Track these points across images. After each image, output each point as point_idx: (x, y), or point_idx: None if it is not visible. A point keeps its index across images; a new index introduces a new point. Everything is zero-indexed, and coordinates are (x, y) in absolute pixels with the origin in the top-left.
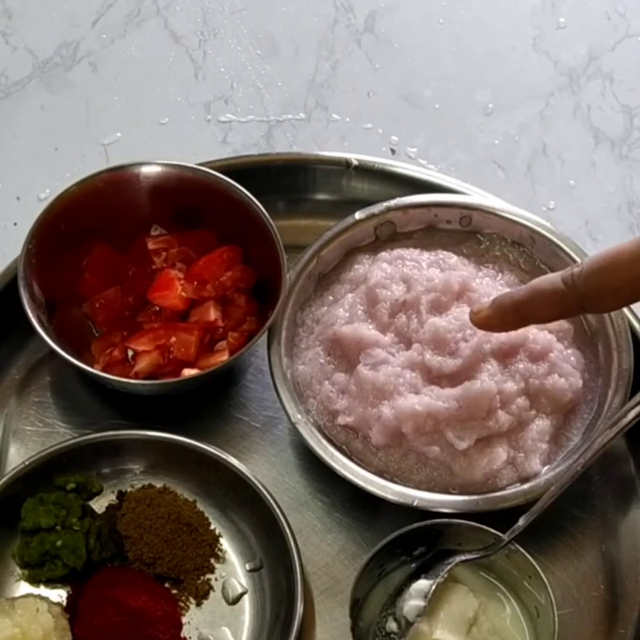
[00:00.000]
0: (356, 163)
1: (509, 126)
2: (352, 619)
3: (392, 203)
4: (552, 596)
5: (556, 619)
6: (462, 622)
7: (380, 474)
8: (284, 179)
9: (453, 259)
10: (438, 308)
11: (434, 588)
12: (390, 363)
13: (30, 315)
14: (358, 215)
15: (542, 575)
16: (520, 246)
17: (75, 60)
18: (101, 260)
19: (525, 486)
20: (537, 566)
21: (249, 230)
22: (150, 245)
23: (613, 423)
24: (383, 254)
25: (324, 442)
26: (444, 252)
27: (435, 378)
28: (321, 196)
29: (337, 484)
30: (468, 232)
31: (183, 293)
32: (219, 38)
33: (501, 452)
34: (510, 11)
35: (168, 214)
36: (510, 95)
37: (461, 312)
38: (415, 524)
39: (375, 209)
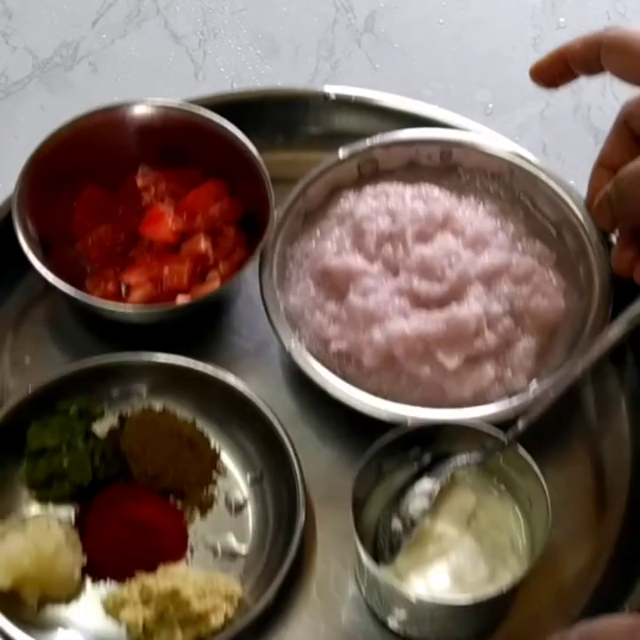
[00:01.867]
0: (333, 97)
1: (509, 126)
2: (354, 515)
3: (375, 141)
4: (545, 485)
5: (550, 506)
6: (462, 515)
7: (374, 396)
8: (265, 113)
9: (436, 191)
10: (423, 237)
11: (438, 489)
12: (379, 290)
13: (26, 249)
14: (342, 153)
15: (534, 467)
16: (499, 178)
17: (75, 59)
18: (91, 201)
19: (514, 400)
20: (529, 459)
21: (235, 165)
22: (139, 182)
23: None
24: (368, 189)
25: (319, 367)
26: (427, 186)
27: (423, 303)
28: (304, 130)
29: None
30: (448, 167)
31: (173, 226)
32: (219, 38)
33: (489, 370)
34: (510, 11)
35: (155, 153)
36: (510, 95)
37: (446, 241)
38: (413, 425)
39: (358, 147)
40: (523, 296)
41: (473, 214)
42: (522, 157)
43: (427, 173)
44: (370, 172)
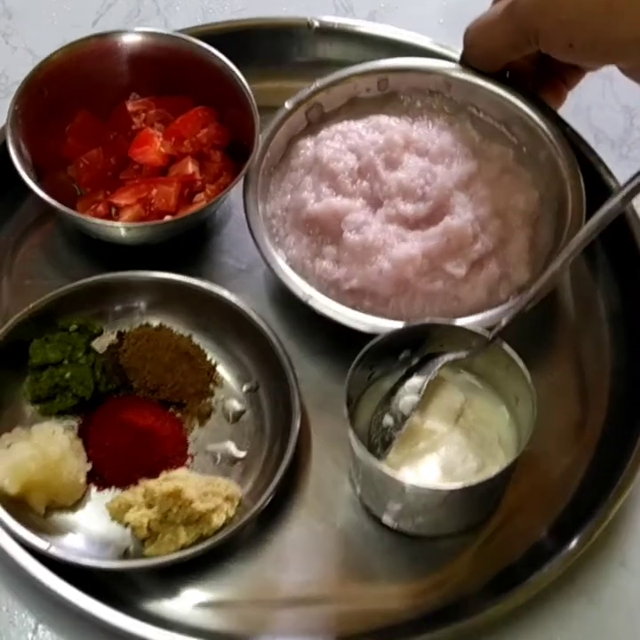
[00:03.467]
0: (317, 24)
1: None
2: (349, 412)
3: (315, 85)
4: (529, 378)
5: (535, 398)
6: (450, 413)
7: (395, 321)
8: (251, 43)
9: (386, 119)
10: (392, 163)
11: (426, 383)
12: (371, 223)
13: (21, 171)
14: (288, 104)
15: (519, 362)
16: (439, 94)
17: None
18: (84, 127)
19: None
20: (514, 355)
21: (224, 93)
22: (130, 107)
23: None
24: (323, 133)
25: (338, 307)
26: (376, 117)
27: (414, 224)
28: (289, 59)
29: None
30: (387, 94)
31: (162, 149)
32: None
33: (495, 268)
34: None
35: (147, 82)
36: None
37: (415, 161)
38: (401, 326)
39: (302, 94)
40: (500, 196)
41: (428, 132)
42: (455, 68)
43: (369, 105)
44: (317, 118)
